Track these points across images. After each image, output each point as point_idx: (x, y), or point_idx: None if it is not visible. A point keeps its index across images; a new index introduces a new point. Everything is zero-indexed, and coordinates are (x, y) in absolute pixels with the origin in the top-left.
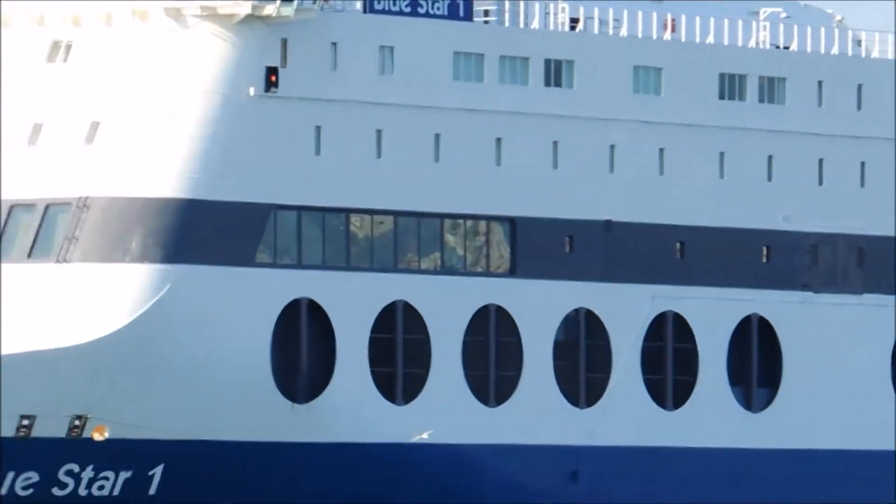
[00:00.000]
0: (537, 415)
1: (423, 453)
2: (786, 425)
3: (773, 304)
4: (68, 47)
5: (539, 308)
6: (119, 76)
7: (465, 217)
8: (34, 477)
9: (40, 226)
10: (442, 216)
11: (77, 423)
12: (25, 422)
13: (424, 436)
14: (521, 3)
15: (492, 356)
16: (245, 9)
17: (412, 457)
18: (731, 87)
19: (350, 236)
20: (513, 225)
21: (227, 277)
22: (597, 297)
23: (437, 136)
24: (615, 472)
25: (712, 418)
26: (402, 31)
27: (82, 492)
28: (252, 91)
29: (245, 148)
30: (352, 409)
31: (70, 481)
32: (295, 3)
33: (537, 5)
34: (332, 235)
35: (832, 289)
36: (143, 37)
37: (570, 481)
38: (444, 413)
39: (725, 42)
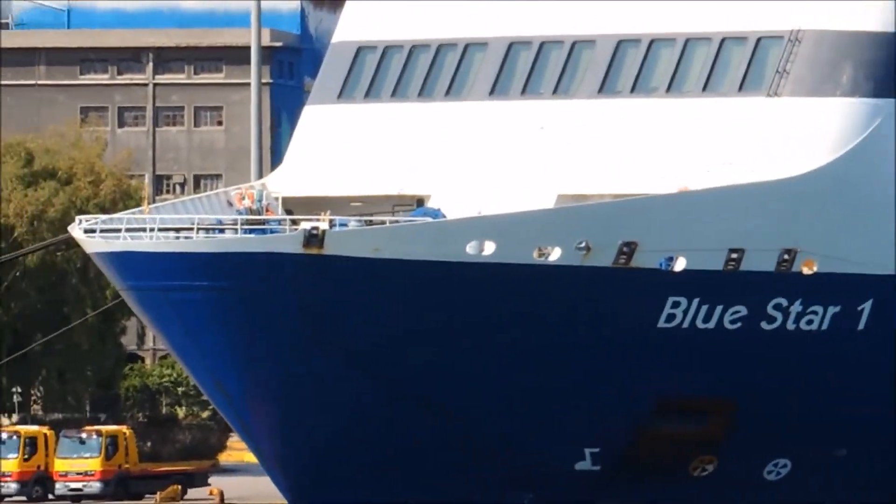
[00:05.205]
0: None
1: None
2: None
3: None
4: None
5: None
6: None
7: None
8: (742, 311)
9: (752, 59)
10: None
11: (786, 256)
12: (734, 255)
13: None
14: None
15: None
16: None
17: None
18: None
19: None
20: None
21: None
22: None
23: None
24: None
25: None
26: None
27: (790, 326)
28: None
29: None
30: None
31: (778, 315)
32: None
33: None
34: None
35: None
36: None
37: None
38: None
39: None
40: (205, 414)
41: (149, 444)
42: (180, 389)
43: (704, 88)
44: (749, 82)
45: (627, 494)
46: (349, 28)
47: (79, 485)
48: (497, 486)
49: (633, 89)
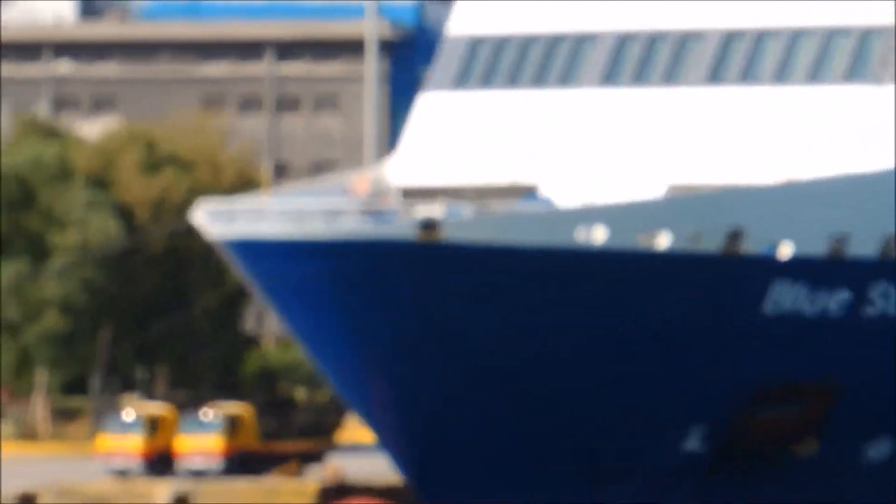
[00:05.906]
0: None
1: None
2: None
3: None
4: None
5: None
6: None
7: None
8: (846, 296)
9: (857, 49)
10: None
11: (890, 243)
12: (839, 241)
13: None
14: None
15: None
16: None
17: None
18: None
19: None
20: None
21: None
22: None
23: None
24: None
25: None
26: None
27: (891, 311)
28: None
29: None
30: None
31: (881, 301)
32: None
33: None
34: None
35: None
36: None
37: None
38: None
39: None
40: (323, 395)
41: (268, 423)
42: (299, 371)
43: (811, 77)
44: (855, 71)
45: (735, 480)
46: (461, 23)
47: (200, 463)
48: (603, 477)
49: (741, 78)
